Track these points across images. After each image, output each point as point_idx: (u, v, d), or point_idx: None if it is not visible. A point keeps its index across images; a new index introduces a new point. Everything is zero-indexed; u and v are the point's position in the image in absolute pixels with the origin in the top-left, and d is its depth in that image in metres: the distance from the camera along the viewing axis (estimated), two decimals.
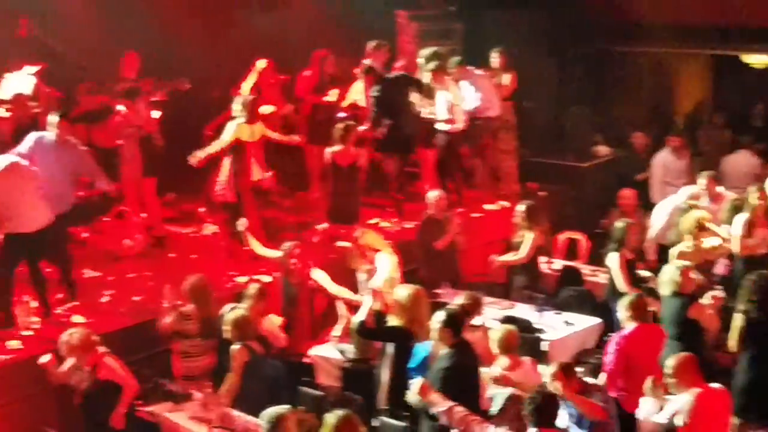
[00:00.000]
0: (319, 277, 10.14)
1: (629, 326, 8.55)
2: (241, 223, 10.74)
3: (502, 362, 8.32)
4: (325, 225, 12.05)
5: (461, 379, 7.64)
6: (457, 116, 12.99)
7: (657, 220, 12.00)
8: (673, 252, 10.66)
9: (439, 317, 7.81)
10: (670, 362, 7.57)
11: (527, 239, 11.11)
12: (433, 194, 11.73)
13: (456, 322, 7.81)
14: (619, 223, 10.60)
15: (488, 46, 13.89)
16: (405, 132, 12.73)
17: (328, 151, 11.83)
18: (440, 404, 6.80)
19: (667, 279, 9.08)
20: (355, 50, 13.36)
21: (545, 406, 6.43)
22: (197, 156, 11.23)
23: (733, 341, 8.63)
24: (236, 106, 11.41)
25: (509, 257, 11.32)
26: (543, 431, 6.35)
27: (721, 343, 9.09)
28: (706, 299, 9.10)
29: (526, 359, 8.48)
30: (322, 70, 13.14)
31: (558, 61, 16.00)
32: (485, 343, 8.42)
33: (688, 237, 10.74)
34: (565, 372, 7.57)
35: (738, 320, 8.59)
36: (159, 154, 12.04)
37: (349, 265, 10.13)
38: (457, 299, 8.86)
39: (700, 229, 10.67)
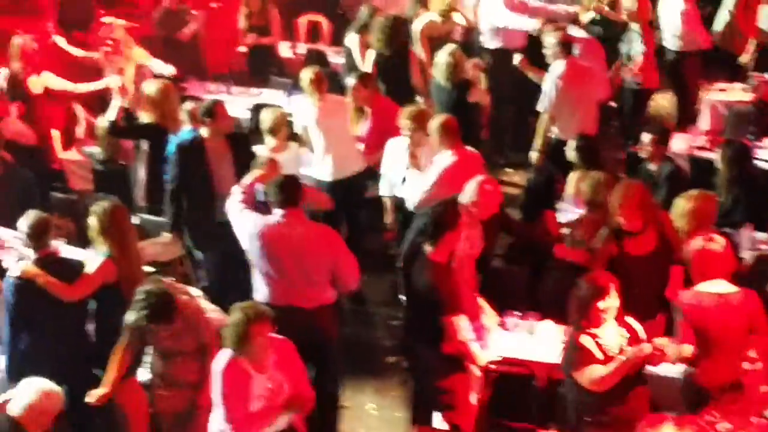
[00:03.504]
0: (51, 80, 9.72)
1: None
2: None
3: (270, 143, 8.37)
4: (51, 25, 11.43)
5: None
6: None
7: None
8: (415, 27, 10.70)
9: None
10: (433, 122, 7.79)
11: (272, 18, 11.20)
12: None
13: None
14: (365, 8, 10.56)
15: None
16: None
17: None
18: None
19: (441, 66, 9.23)
20: None
21: (286, 184, 6.57)
22: None
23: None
24: None
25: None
26: (289, 210, 6.52)
27: None
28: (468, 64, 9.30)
29: (293, 144, 8.58)
30: None
31: None
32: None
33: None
34: None
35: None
36: None
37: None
38: None
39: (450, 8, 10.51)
